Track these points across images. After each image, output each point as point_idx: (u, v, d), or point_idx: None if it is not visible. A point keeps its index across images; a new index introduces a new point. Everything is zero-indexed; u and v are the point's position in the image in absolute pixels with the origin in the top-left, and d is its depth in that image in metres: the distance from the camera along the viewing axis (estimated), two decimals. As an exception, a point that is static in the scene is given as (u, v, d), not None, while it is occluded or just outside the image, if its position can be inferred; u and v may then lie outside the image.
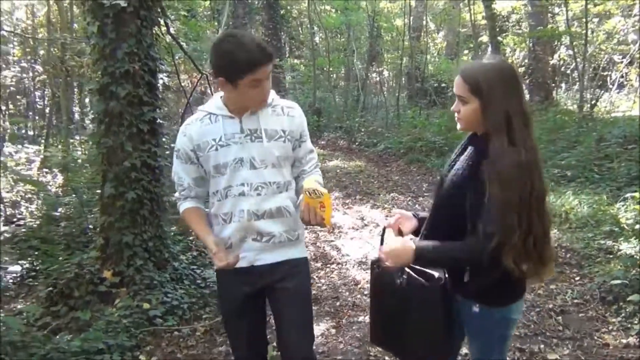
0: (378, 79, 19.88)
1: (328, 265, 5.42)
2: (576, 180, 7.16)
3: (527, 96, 14.75)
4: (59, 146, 8.27)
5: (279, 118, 2.22)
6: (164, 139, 4.92)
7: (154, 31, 4.49)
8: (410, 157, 10.89)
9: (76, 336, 3.59)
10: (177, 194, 2.33)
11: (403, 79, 17.88)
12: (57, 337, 3.58)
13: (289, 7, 20.38)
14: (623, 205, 5.70)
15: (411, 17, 17.02)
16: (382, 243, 2.12)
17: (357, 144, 13.45)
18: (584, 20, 12.90)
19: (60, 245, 5.44)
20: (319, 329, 3.99)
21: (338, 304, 4.50)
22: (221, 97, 2.23)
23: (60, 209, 6.60)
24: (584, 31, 11.35)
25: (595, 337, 3.73)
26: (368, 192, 8.53)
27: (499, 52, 11.11)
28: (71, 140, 9.32)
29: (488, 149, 1.83)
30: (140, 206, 4.32)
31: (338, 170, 10.20)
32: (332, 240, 6.22)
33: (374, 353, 3.65)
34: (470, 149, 1.97)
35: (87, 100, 14.05)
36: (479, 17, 18.47)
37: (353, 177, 9.64)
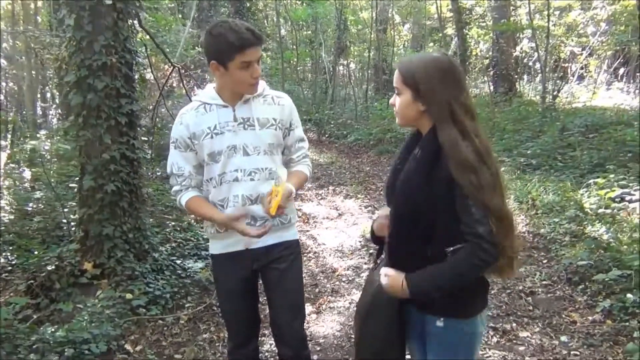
0: (346, 71, 20.00)
1: (305, 254, 5.52)
2: (541, 168, 7.42)
3: (491, 87, 15.21)
4: (27, 140, 8.11)
5: (270, 107, 2.31)
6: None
7: (129, 24, 4.48)
8: (380, 148, 11.06)
9: (60, 327, 3.61)
10: (176, 187, 2.36)
11: (370, 71, 18.05)
12: (41, 328, 3.58)
13: (254, 0, 20.31)
14: (586, 192, 5.96)
15: (377, 10, 17.18)
16: (373, 239, 2.11)
17: (326, 136, 13.58)
18: (545, 13, 13.31)
19: (36, 239, 5.40)
20: (300, 314, 4.10)
21: (317, 290, 4.61)
22: (214, 87, 2.32)
23: (31, 204, 6.52)
24: (546, 24, 11.66)
25: (563, 315, 3.93)
26: (341, 183, 8.67)
27: (464, 45, 11.31)
28: (37, 135, 9.17)
29: (438, 143, 1.75)
30: (119, 198, 4.33)
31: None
32: (307, 230, 6.32)
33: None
34: (418, 148, 1.86)
35: (48, 95, 13.81)
36: (444, 10, 18.83)
37: (325, 169, 9.77)
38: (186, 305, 4.23)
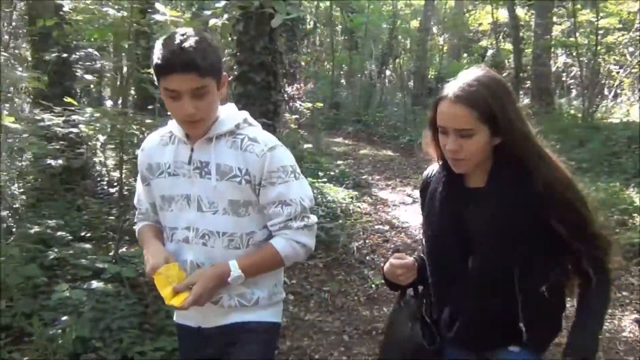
0: (391, 77, 21.07)
1: (394, 229, 6.58)
2: (591, 171, 8.41)
3: (527, 101, 16.14)
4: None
5: (236, 152, 1.74)
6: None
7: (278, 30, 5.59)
8: (434, 149, 12.04)
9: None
10: (135, 218, 2.03)
11: (411, 78, 19.19)
12: None
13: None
14: (634, 191, 6.95)
15: (420, 19, 18.34)
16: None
17: (377, 136, 14.58)
18: (585, 31, 14.29)
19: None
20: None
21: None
22: None
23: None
24: (594, 43, 12.63)
25: (622, 280, 4.94)
26: (405, 176, 9.71)
27: (520, 60, 12.30)
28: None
29: (513, 179, 1.59)
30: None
31: (370, 158, 11.37)
32: (389, 212, 7.37)
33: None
34: (489, 189, 1.64)
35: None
36: (485, 24, 19.89)
37: (386, 164, 10.80)
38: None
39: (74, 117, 3.38)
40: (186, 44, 1.57)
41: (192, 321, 1.88)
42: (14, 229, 4.60)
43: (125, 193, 4.80)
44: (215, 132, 1.73)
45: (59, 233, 3.67)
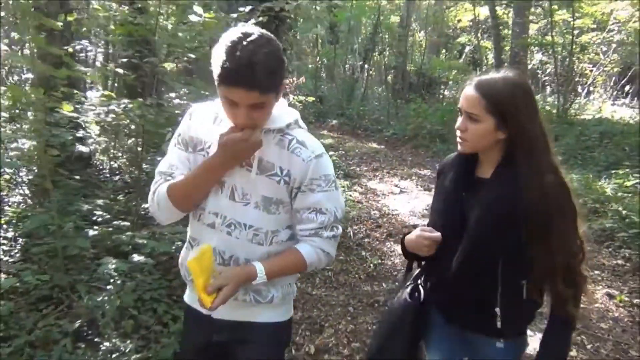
0: (372, 72, 21.52)
1: (385, 216, 7.02)
2: (565, 164, 8.96)
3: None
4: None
5: (282, 151, 1.75)
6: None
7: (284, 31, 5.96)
8: (416, 142, 12.52)
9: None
10: (155, 185, 1.84)
11: (391, 74, 19.67)
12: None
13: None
14: (606, 181, 7.51)
15: (402, 15, 18.83)
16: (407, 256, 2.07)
17: (361, 130, 15.02)
18: (559, 30, 14.93)
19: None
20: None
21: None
22: None
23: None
24: (569, 42, 13.23)
25: (594, 260, 5.47)
26: (392, 167, 10.17)
27: (500, 57, 12.84)
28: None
29: (515, 177, 1.73)
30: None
31: (357, 150, 11.77)
32: (379, 200, 7.81)
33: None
34: (492, 181, 1.81)
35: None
36: (464, 20, 20.52)
37: (372, 156, 11.24)
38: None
39: (112, 106, 3.72)
40: (256, 59, 1.50)
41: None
42: (29, 214, 4.91)
43: (137, 176, 5.10)
44: (265, 127, 1.71)
45: (98, 212, 4.02)
